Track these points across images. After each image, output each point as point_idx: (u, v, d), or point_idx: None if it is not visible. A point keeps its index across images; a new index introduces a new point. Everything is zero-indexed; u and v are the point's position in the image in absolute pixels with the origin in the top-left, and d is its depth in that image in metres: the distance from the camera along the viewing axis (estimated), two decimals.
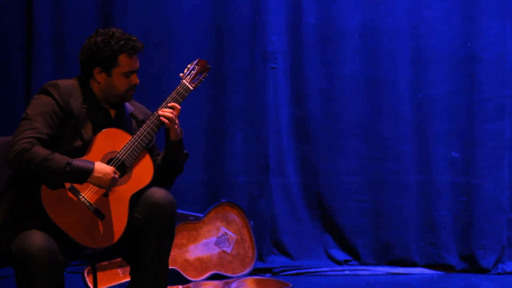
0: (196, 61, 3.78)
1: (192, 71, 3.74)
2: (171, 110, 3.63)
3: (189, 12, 5.70)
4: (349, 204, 5.76)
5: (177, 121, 3.65)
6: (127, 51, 3.56)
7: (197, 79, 3.74)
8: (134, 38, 3.60)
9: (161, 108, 3.63)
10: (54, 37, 5.65)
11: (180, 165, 3.74)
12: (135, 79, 3.61)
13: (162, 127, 3.62)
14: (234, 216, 5.50)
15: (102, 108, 3.61)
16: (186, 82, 3.70)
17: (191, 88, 3.70)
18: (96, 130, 3.55)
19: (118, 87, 3.58)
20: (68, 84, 3.57)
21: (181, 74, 3.73)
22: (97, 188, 3.47)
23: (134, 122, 3.71)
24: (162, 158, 3.73)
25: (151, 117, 3.61)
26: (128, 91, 3.61)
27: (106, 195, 3.49)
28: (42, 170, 3.35)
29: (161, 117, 3.61)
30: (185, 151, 3.74)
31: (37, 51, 5.63)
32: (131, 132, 3.63)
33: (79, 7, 5.65)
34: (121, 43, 3.55)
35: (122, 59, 3.56)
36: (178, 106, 3.65)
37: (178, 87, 3.68)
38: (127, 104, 3.71)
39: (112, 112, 3.64)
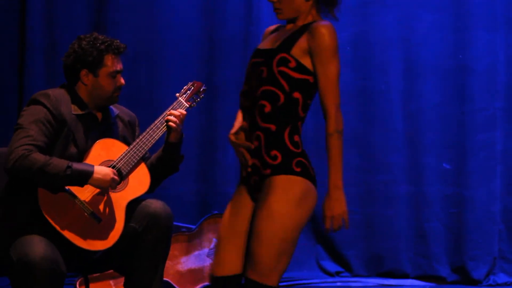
0: (192, 82, 3.85)
1: (188, 91, 3.82)
2: (178, 114, 3.68)
3: (181, 24, 5.70)
4: None
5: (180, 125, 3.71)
6: (112, 50, 3.63)
7: (193, 99, 3.81)
8: (117, 40, 3.68)
9: (158, 122, 3.67)
10: (46, 46, 5.64)
11: (175, 166, 3.79)
12: (120, 80, 3.67)
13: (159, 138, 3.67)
14: None
15: (89, 112, 3.64)
16: (182, 100, 3.76)
17: (187, 105, 3.76)
18: (87, 135, 3.59)
19: (105, 87, 3.63)
20: (57, 92, 3.61)
21: (177, 94, 3.80)
22: (94, 192, 3.49)
23: (121, 124, 3.76)
24: (157, 157, 3.76)
25: (148, 130, 3.65)
26: (115, 92, 3.67)
27: (102, 199, 3.51)
28: (42, 175, 3.38)
29: (168, 119, 3.66)
30: (181, 154, 3.79)
31: (29, 61, 5.62)
32: (118, 134, 3.70)
33: (72, 17, 5.65)
34: (106, 43, 3.63)
35: (108, 59, 3.63)
36: (184, 112, 3.71)
37: (174, 104, 3.75)
38: (111, 107, 3.75)
39: (99, 116, 3.68)
